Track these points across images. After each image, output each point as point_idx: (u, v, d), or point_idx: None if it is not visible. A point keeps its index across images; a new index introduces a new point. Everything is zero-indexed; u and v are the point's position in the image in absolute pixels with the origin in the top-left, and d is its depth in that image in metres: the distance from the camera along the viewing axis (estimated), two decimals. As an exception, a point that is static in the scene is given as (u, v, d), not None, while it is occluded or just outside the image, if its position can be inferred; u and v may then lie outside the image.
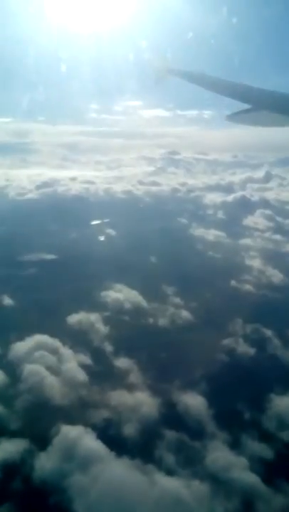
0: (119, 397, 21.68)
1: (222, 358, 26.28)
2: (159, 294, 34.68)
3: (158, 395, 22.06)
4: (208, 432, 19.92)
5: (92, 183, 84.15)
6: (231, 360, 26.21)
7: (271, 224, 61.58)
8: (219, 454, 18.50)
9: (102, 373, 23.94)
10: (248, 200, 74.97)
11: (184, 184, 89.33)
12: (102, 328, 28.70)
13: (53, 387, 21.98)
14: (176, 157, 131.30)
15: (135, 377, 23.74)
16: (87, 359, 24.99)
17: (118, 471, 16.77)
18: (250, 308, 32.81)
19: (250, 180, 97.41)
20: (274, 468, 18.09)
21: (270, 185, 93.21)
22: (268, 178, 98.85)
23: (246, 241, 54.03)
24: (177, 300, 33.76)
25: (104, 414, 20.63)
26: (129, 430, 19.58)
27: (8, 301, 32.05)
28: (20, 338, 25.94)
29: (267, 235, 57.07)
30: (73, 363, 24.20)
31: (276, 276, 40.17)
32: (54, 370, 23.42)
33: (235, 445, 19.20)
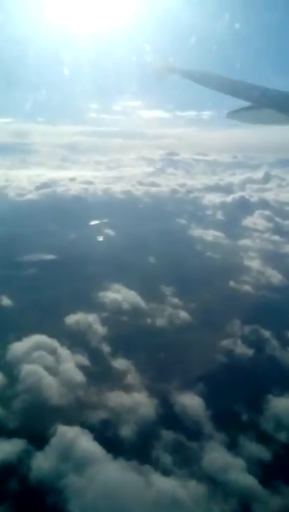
0: (117, 398, 21.65)
1: (220, 359, 26.27)
2: (158, 294, 34.67)
3: (155, 395, 22.04)
4: (206, 433, 19.90)
5: (91, 183, 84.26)
6: (229, 360, 26.20)
7: (270, 225, 61.60)
8: (216, 455, 18.49)
9: (100, 374, 23.92)
10: (247, 201, 75.02)
11: (183, 185, 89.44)
12: (100, 329, 28.69)
13: (51, 388, 21.96)
14: (176, 158, 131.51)
15: (133, 377, 23.73)
16: (84, 360, 24.97)
17: (114, 472, 16.76)
18: (248, 309, 32.82)
19: (250, 180, 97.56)
20: (271, 469, 18.07)
21: (269, 186, 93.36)
22: (267, 178, 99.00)
23: (245, 242, 54.06)
24: (175, 300, 33.75)
25: (102, 414, 20.61)
26: (127, 431, 19.56)
27: (6, 301, 32.04)
28: (19, 339, 25.91)
29: (266, 235, 57.10)
30: (71, 364, 24.17)
31: (275, 277, 40.19)
32: (52, 371, 23.40)
33: (232, 446, 19.18)
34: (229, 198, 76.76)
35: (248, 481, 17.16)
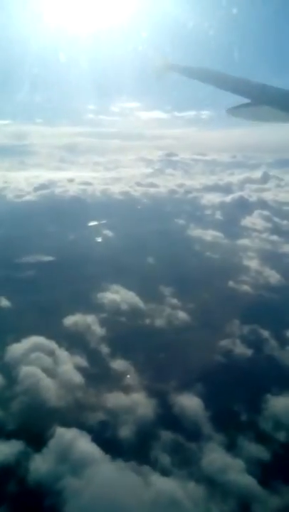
0: (115, 399, 21.61)
1: (219, 359, 26.22)
2: (156, 295, 34.64)
3: (154, 396, 22.00)
4: (205, 434, 19.85)
5: (89, 184, 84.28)
6: (228, 361, 26.15)
7: (269, 225, 61.61)
8: (215, 456, 18.43)
9: (98, 375, 23.87)
10: (246, 201, 75.07)
11: (181, 185, 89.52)
12: (99, 330, 28.64)
13: (49, 389, 21.90)
14: (174, 158, 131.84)
15: (131, 378, 23.68)
16: (83, 361, 24.90)
17: (113, 473, 16.70)
18: (247, 309, 32.79)
19: (248, 180, 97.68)
20: (270, 469, 18.02)
21: (267, 185, 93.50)
22: (265, 178, 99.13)
23: (244, 242, 54.06)
24: (174, 301, 33.71)
25: (100, 416, 20.57)
26: (125, 432, 19.52)
27: (5, 302, 32.01)
28: (17, 340, 25.85)
29: (264, 235, 57.08)
30: (69, 365, 24.12)
31: (273, 276, 40.18)
32: (50, 372, 23.33)
33: (231, 446, 19.12)
34: (228, 198, 76.83)
35: (247, 481, 17.11)
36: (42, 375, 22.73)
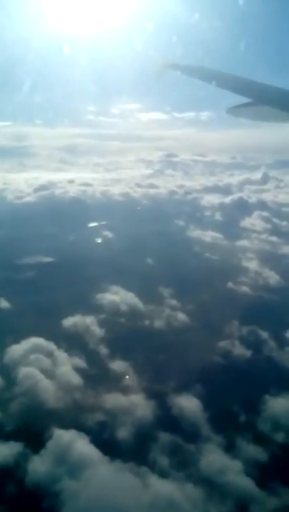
0: (114, 400, 21.61)
1: (218, 360, 26.23)
2: (156, 296, 34.65)
3: (153, 397, 21.99)
4: (203, 435, 19.84)
5: (89, 185, 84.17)
6: (227, 362, 26.15)
7: (268, 226, 61.64)
8: (214, 457, 18.43)
9: (97, 376, 23.87)
10: (246, 202, 75.07)
11: (181, 186, 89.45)
12: (98, 331, 28.66)
13: (48, 391, 21.90)
14: (174, 159, 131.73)
15: (130, 379, 23.69)
16: (82, 362, 24.91)
17: (111, 474, 16.70)
18: (246, 310, 32.79)
19: (248, 181, 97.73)
20: (269, 470, 18.02)
21: (267, 187, 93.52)
22: (265, 179, 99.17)
23: (243, 243, 54.06)
24: (174, 302, 33.73)
25: (99, 417, 20.57)
26: (124, 433, 19.51)
27: (4, 303, 32.01)
28: (16, 341, 25.85)
29: (264, 236, 57.11)
30: (68, 366, 24.13)
31: (273, 278, 40.19)
32: (49, 374, 23.34)
33: (229, 448, 19.12)
34: (228, 199, 76.84)
35: (245, 483, 17.10)
36: (41, 377, 22.73)
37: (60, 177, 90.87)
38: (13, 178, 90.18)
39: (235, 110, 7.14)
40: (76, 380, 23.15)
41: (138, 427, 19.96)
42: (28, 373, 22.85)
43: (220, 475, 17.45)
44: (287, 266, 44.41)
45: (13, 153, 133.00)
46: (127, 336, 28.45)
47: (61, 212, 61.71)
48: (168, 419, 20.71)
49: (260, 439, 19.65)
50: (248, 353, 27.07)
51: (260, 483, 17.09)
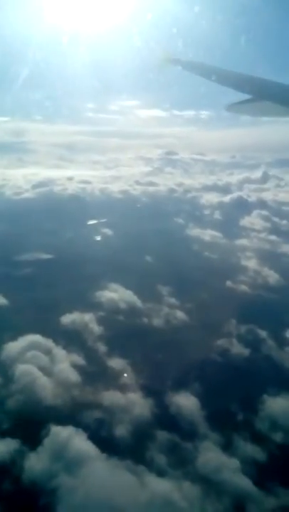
0: (112, 398, 21.54)
1: (216, 359, 26.19)
2: (154, 294, 34.58)
3: (151, 395, 21.94)
4: (201, 433, 19.81)
5: (88, 182, 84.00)
6: (225, 360, 26.11)
7: (268, 224, 61.64)
8: (211, 456, 18.41)
9: (95, 374, 23.79)
10: (245, 201, 75.05)
11: (181, 184, 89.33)
12: (96, 328, 28.57)
13: (45, 388, 21.82)
14: (174, 157, 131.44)
15: (128, 377, 23.63)
16: (80, 359, 24.83)
17: (108, 472, 16.66)
18: (245, 309, 32.76)
19: (248, 180, 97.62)
20: (266, 469, 18.01)
21: (267, 185, 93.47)
22: (265, 178, 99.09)
23: (242, 241, 54.07)
24: (172, 300, 33.67)
25: (96, 414, 20.49)
26: (121, 431, 19.46)
27: (2, 300, 31.84)
28: (14, 338, 25.74)
29: (263, 235, 57.11)
30: (66, 364, 24.04)
31: (272, 276, 40.18)
32: (46, 371, 23.26)
33: (227, 446, 19.10)
34: (227, 198, 76.77)
35: (243, 481, 17.08)
36: (38, 374, 22.65)
37: (59, 174, 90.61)
38: (11, 174, 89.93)
39: (235, 107, 7.10)
40: (74, 377, 23.07)
41: (136, 424, 19.92)
42: (26, 370, 22.76)
43: (217, 473, 17.43)
44: (287, 265, 44.41)
45: (11, 149, 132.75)
46: (126, 334, 28.36)
47: (60, 210, 61.59)
48: (165, 417, 20.67)
49: (257, 438, 19.64)
50: (246, 352, 27.04)
51: (258, 482, 17.07)
